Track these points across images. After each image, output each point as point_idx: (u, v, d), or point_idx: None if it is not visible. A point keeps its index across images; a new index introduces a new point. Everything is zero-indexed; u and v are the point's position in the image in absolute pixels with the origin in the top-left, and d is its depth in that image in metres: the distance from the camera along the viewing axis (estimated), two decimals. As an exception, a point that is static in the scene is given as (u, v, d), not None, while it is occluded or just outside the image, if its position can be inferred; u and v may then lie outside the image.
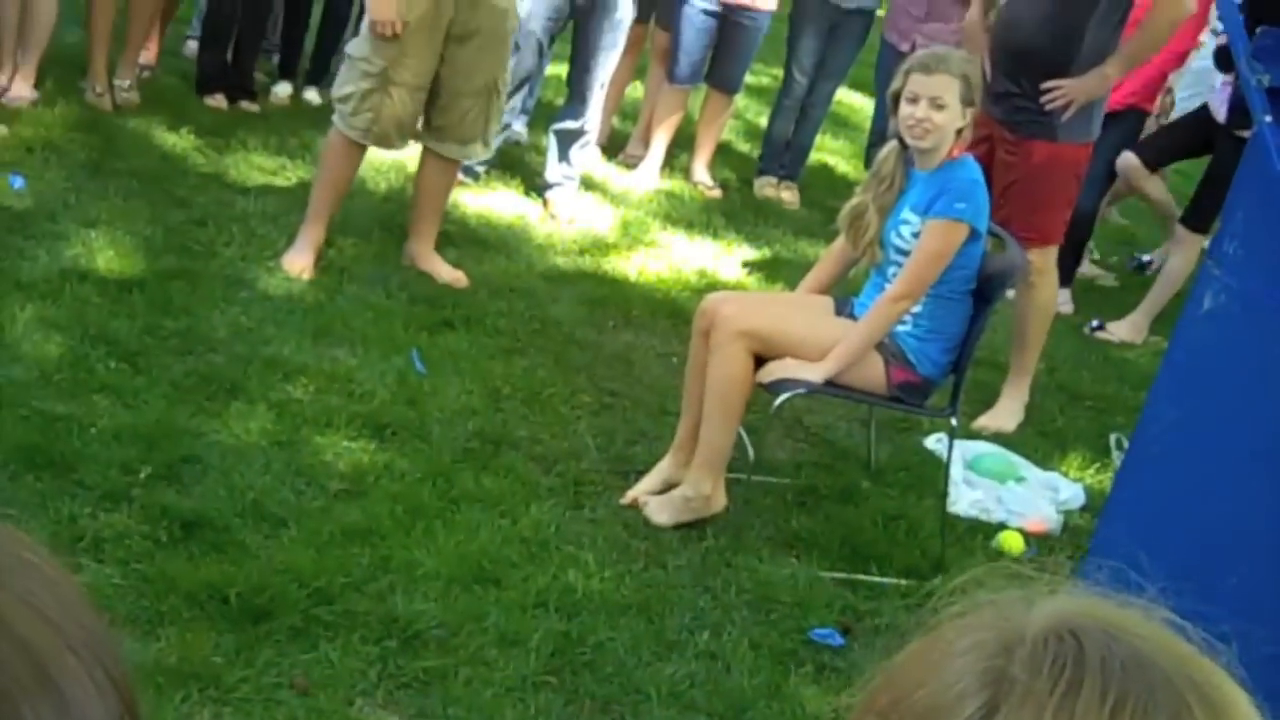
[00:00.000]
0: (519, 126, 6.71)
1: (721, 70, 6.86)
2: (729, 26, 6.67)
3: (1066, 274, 6.03)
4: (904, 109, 3.86)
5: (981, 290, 3.93)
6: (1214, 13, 6.30)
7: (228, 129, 5.99)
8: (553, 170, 6.11)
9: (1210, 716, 0.74)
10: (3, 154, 5.19)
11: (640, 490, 3.93)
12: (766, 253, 6.21)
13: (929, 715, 0.76)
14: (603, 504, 3.88)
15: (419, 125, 5.09)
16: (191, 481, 3.52)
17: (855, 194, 4.09)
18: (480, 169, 6.01)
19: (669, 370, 4.72)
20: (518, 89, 6.08)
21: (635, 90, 7.66)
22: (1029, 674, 0.74)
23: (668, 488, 3.92)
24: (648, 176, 6.77)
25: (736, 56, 6.82)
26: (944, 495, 4.11)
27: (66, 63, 6.08)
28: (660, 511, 3.85)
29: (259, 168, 5.73)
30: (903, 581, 3.76)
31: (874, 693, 0.81)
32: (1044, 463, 4.72)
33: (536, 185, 6.17)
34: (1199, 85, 6.86)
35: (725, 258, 6.05)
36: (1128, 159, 6.66)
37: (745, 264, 6.04)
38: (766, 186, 7.08)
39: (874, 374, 3.89)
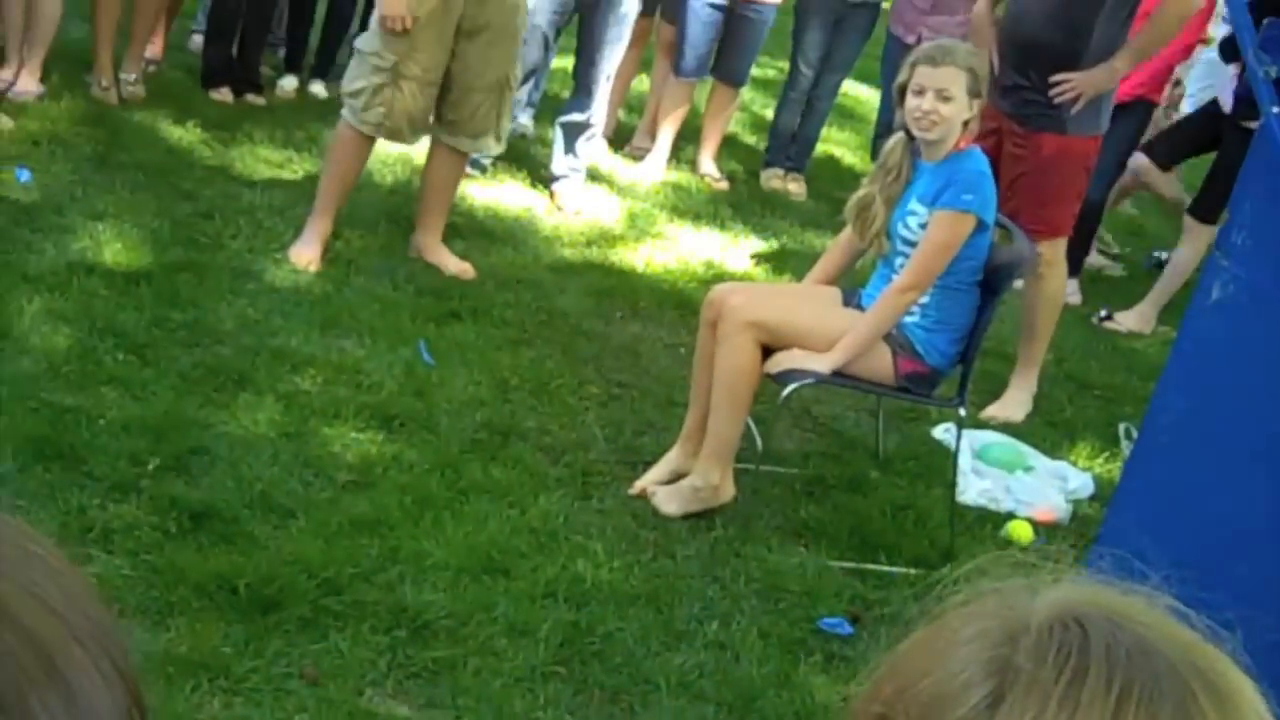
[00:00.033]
0: (525, 119, 6.71)
1: (727, 63, 6.85)
2: (734, 19, 6.66)
3: (1074, 264, 6.02)
4: (910, 101, 3.85)
5: (989, 281, 3.92)
6: (1222, 4, 6.29)
7: (233, 122, 5.99)
8: (559, 163, 6.10)
9: (1215, 703, 0.73)
10: (9, 148, 5.19)
11: (648, 480, 3.93)
12: (773, 244, 6.21)
13: (934, 704, 0.76)
14: (611, 494, 3.88)
15: (430, 119, 5.08)
16: (200, 473, 3.52)
17: (862, 185, 4.08)
18: (487, 161, 6.01)
19: (676, 361, 4.71)
20: (524, 82, 6.07)
21: (641, 83, 7.65)
22: (1034, 663, 0.74)
23: (676, 478, 3.92)
24: (654, 169, 6.77)
25: (742, 49, 6.81)
26: (952, 485, 4.10)
27: (72, 57, 6.09)
28: (669, 501, 3.85)
29: (265, 161, 5.73)
30: (911, 571, 3.76)
31: (879, 682, 0.81)
32: (1052, 452, 4.71)
33: (543, 177, 6.17)
34: (1210, 78, 6.83)
35: (732, 249, 6.04)
36: (1140, 160, 6.68)
37: (752, 255, 6.03)
38: (773, 178, 7.07)
39: (882, 364, 3.89)
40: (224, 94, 6.28)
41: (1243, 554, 3.11)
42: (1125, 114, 5.98)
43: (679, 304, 5.23)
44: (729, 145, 7.35)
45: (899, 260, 3.92)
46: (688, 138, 7.00)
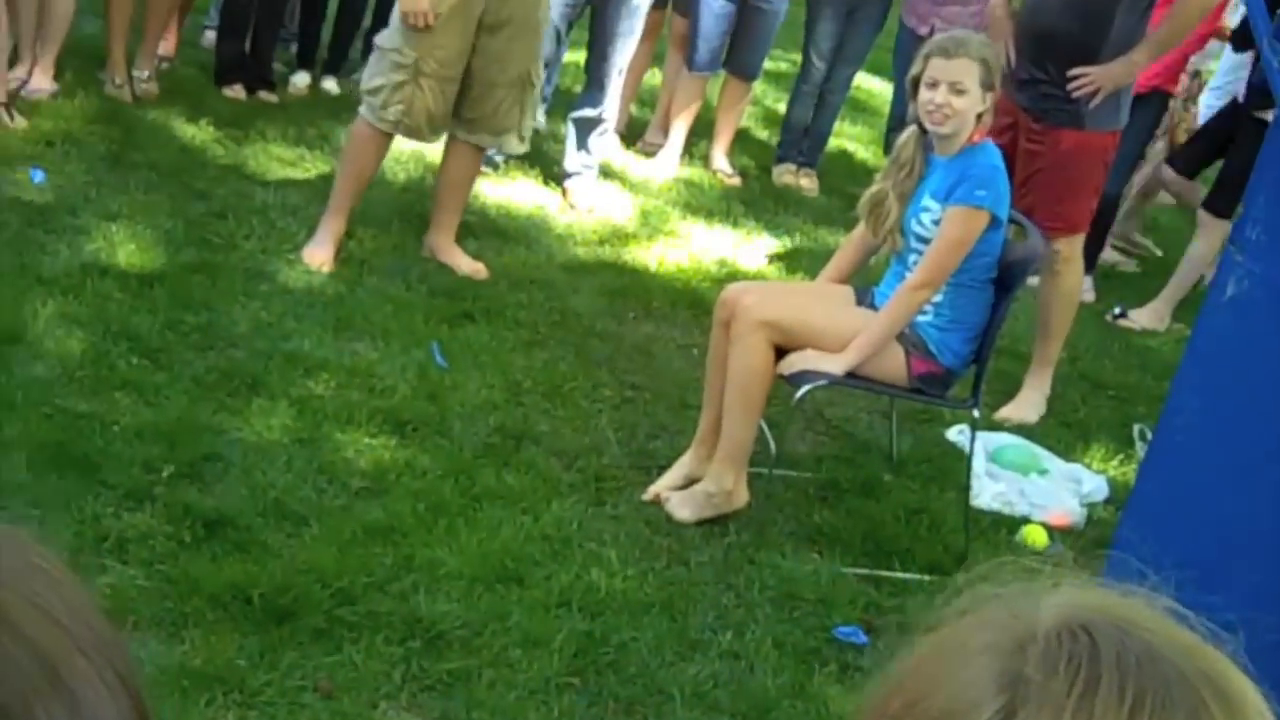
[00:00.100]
0: (538, 115, 6.69)
1: (740, 56, 6.82)
2: (747, 12, 6.63)
3: (1089, 261, 5.99)
4: (923, 94, 3.83)
5: (1002, 278, 3.90)
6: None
7: (246, 120, 5.98)
8: (571, 159, 6.09)
9: (1225, 710, 0.73)
10: (23, 147, 5.20)
11: (662, 486, 3.92)
12: (786, 241, 6.19)
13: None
14: (624, 500, 3.87)
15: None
16: (213, 480, 3.52)
17: (875, 181, 4.06)
18: (499, 159, 5.99)
19: (690, 362, 4.71)
20: (537, 77, 6.06)
21: (653, 77, 7.63)
22: (1044, 674, 0.73)
23: (689, 483, 3.91)
24: (667, 164, 6.75)
25: (755, 42, 6.78)
26: (966, 488, 4.09)
27: (85, 54, 6.09)
28: (682, 507, 3.84)
29: (278, 159, 5.72)
30: (926, 577, 3.75)
31: (885, 697, 0.80)
32: (1067, 454, 4.69)
33: (555, 175, 6.15)
34: (1236, 73, 6.77)
35: (745, 246, 6.03)
36: (1166, 173, 6.72)
37: (765, 253, 6.01)
38: (785, 173, 7.05)
39: (895, 365, 3.87)
40: (237, 91, 6.27)
41: (1262, 556, 3.09)
42: (1141, 106, 5.94)
43: (692, 303, 5.22)
44: (741, 140, 7.33)
45: (912, 257, 3.90)
46: (700, 132, 6.98)
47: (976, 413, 4.00)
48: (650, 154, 6.87)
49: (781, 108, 7.60)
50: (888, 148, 5.95)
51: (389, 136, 4.97)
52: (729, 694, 3.15)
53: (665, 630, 3.32)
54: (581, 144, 6.07)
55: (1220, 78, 7.11)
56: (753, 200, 6.62)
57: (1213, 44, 6.93)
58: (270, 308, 4.47)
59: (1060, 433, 4.89)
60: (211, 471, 3.56)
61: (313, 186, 5.44)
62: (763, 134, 7.84)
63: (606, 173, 6.36)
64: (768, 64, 7.39)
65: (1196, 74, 7.16)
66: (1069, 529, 4.24)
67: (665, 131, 6.91)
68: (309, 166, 5.72)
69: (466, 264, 5.09)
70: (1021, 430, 4.80)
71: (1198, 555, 3.00)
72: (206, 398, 3.88)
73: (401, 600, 3.21)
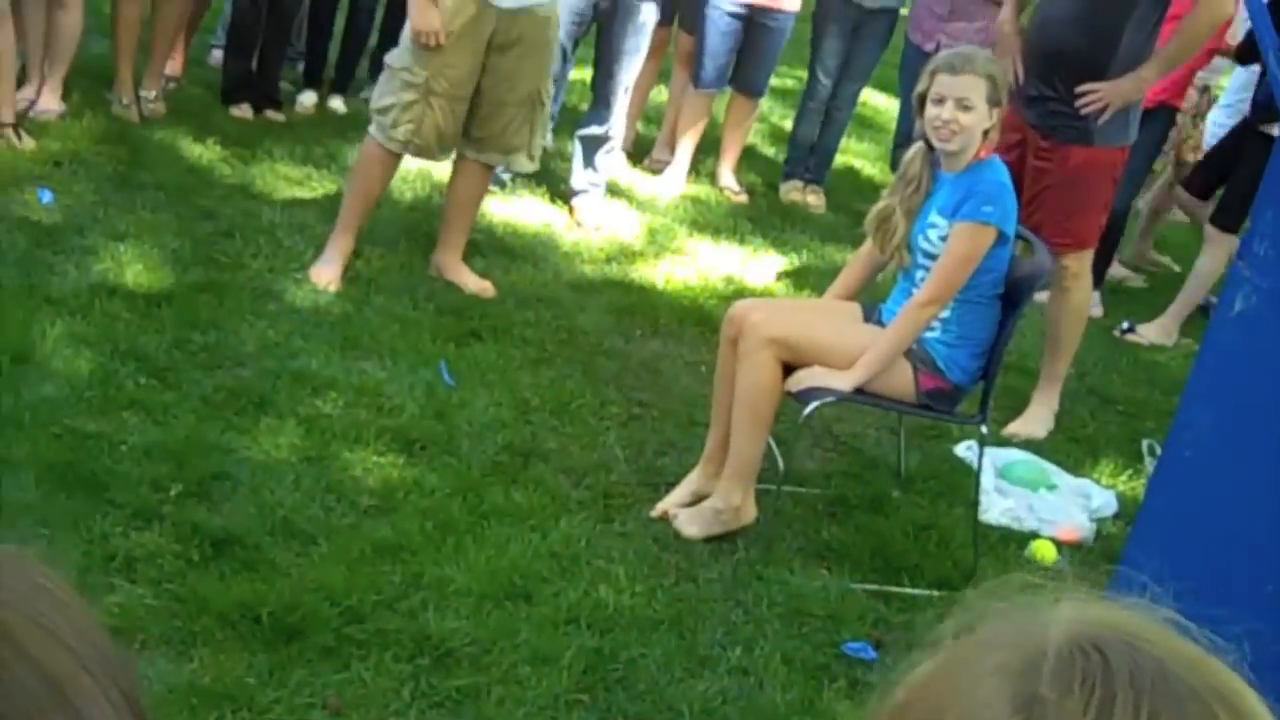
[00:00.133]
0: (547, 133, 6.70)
1: (746, 73, 6.83)
2: (753, 29, 6.64)
3: (1097, 276, 5.98)
4: (930, 110, 3.83)
5: (1010, 294, 3.90)
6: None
7: (253, 139, 6.00)
8: (578, 177, 6.10)
9: None
10: (31, 168, 5.22)
11: (670, 503, 3.92)
12: (793, 258, 6.19)
13: None
14: (633, 517, 3.87)
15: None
16: (221, 499, 3.53)
17: (882, 197, 4.06)
18: (506, 177, 6.00)
19: (697, 379, 4.70)
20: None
21: (659, 94, 7.65)
22: (1059, 693, 0.73)
23: (697, 499, 3.91)
24: (674, 182, 6.76)
25: (761, 59, 6.79)
26: (975, 504, 4.08)
27: (93, 75, 6.12)
28: (690, 524, 3.84)
29: (285, 178, 5.74)
30: (935, 593, 3.75)
31: (893, 718, 0.80)
32: (1075, 469, 4.69)
33: (562, 193, 6.16)
34: (1243, 92, 6.76)
35: (752, 263, 6.03)
36: (1180, 195, 6.79)
37: (773, 270, 6.02)
38: (792, 190, 7.05)
39: (903, 381, 3.87)
40: (244, 110, 6.29)
41: (1269, 569, 3.08)
42: (1149, 120, 5.92)
43: (699, 321, 5.22)
44: (747, 157, 7.34)
45: (920, 274, 3.90)
46: (706, 149, 6.99)
47: (985, 428, 3.99)
48: (657, 171, 6.88)
49: (788, 124, 7.61)
50: (894, 164, 5.96)
51: (398, 156, 4.98)
52: (738, 710, 3.14)
53: (674, 647, 3.31)
54: (588, 162, 6.08)
55: (1230, 95, 7.11)
56: (760, 217, 6.62)
57: (1219, 60, 6.93)
58: (278, 327, 4.48)
59: (1069, 448, 4.88)
60: (220, 490, 3.56)
61: (320, 205, 5.45)
62: (769, 151, 7.85)
63: (613, 190, 6.37)
64: (774, 81, 7.41)
65: (1205, 89, 7.16)
66: (1078, 544, 4.23)
67: (672, 149, 6.92)
68: (316, 185, 5.73)
69: (474, 282, 5.09)
70: (1030, 446, 4.80)
71: (1206, 569, 3.00)
72: (214, 417, 3.88)
73: (410, 618, 3.21)
